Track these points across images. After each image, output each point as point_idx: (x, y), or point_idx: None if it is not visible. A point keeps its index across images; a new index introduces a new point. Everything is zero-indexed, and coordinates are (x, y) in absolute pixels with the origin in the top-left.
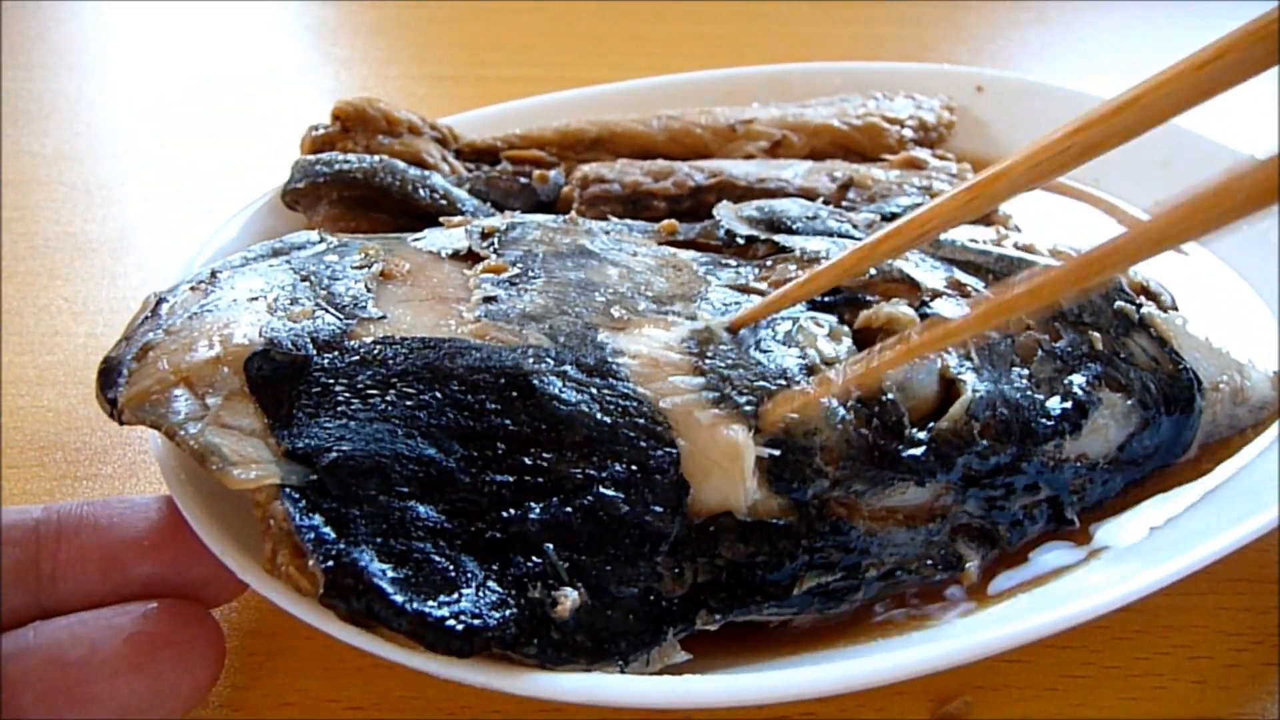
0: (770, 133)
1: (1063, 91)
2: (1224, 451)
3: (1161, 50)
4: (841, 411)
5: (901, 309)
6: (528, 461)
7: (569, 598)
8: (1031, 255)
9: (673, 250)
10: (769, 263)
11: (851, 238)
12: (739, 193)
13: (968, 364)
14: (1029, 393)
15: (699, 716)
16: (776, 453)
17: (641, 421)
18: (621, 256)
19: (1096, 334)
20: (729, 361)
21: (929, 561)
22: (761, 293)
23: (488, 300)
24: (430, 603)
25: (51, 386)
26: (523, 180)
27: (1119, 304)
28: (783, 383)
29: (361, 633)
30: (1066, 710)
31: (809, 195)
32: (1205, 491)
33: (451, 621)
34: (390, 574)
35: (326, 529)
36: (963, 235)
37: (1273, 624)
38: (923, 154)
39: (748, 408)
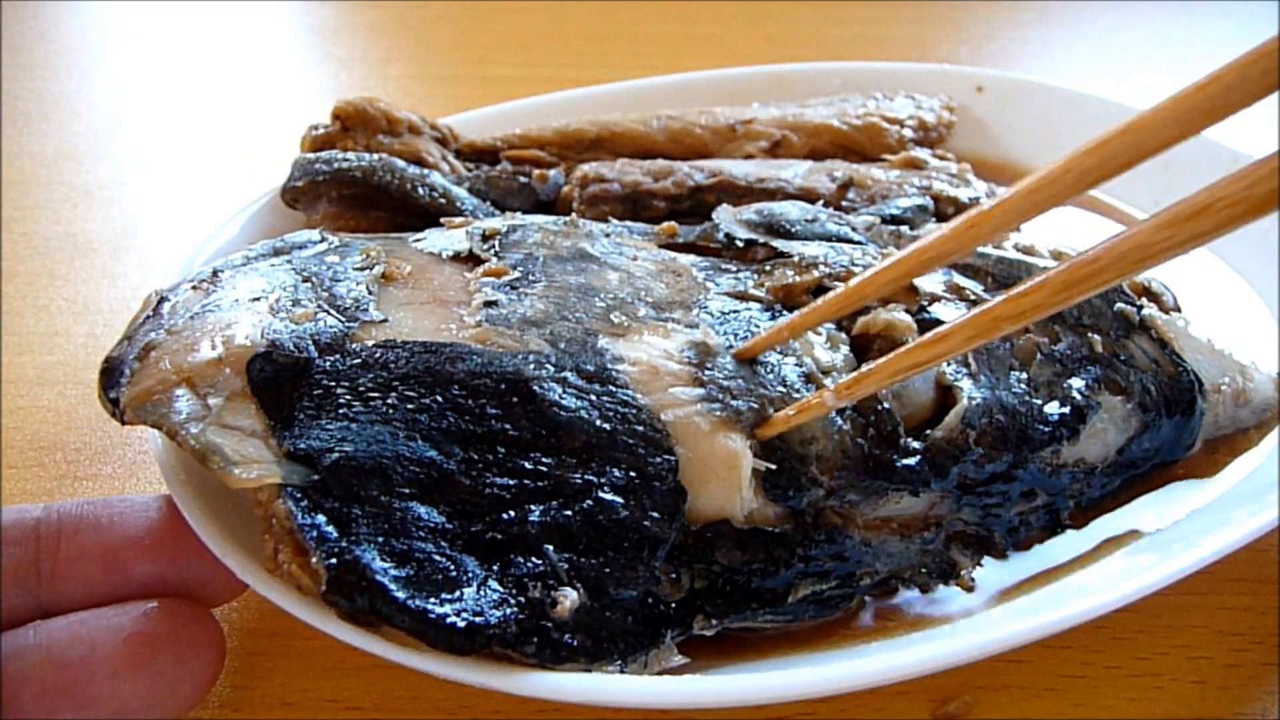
0: (770, 133)
1: (1063, 91)
2: (1226, 448)
3: (1161, 50)
4: (838, 421)
5: (899, 315)
6: (528, 466)
7: (569, 598)
8: (1031, 258)
9: (673, 255)
10: (767, 267)
11: (850, 240)
12: (739, 193)
13: (964, 370)
14: (1027, 398)
15: (698, 717)
16: (773, 466)
17: (640, 429)
18: (621, 260)
19: (1096, 336)
20: (728, 372)
21: (923, 570)
22: (760, 299)
23: (488, 305)
24: (432, 600)
25: (51, 386)
26: (522, 180)
27: (1119, 306)
28: (781, 390)
29: (360, 631)
30: (1066, 710)
31: (809, 195)
32: (1208, 494)
33: (453, 618)
34: (392, 572)
35: (329, 528)
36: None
37: (1273, 624)
38: (923, 154)
39: (746, 417)
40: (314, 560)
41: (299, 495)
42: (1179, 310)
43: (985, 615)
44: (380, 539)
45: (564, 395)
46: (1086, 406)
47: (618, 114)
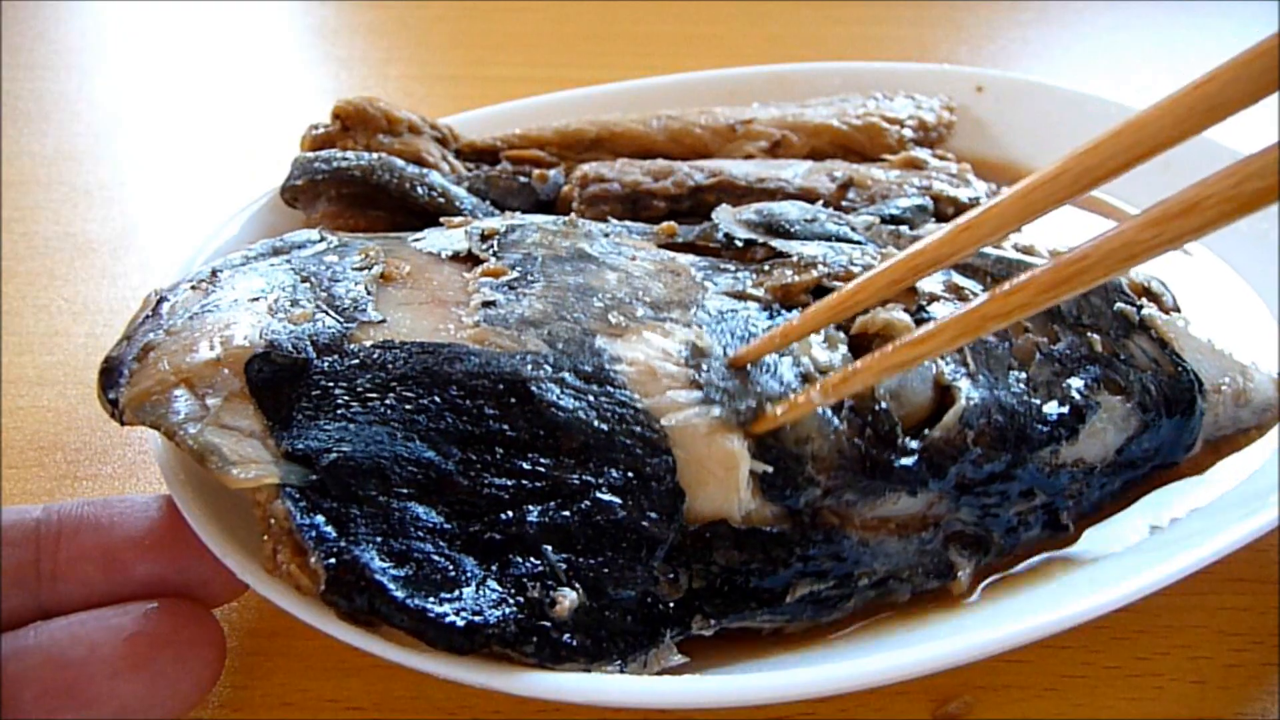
0: (770, 133)
1: (1063, 91)
2: (1227, 449)
3: (1161, 50)
4: (835, 421)
5: (897, 315)
6: (526, 466)
7: (568, 598)
8: (1031, 257)
9: (671, 254)
10: (766, 267)
11: (850, 240)
12: (739, 192)
13: (963, 370)
14: (1025, 398)
15: (698, 717)
16: (770, 469)
17: (638, 429)
18: (620, 260)
19: (1096, 336)
20: (724, 373)
21: (921, 570)
22: (758, 299)
23: (487, 305)
24: (431, 599)
25: (51, 386)
26: (522, 179)
27: (1119, 306)
28: (779, 390)
29: (359, 631)
30: (1066, 710)
31: (809, 195)
32: (1208, 494)
33: (452, 618)
34: (391, 571)
35: (327, 527)
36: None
37: (1273, 624)
38: (922, 154)
39: (743, 417)
40: (313, 560)
41: (297, 495)
42: (1179, 310)
43: (984, 615)
44: (379, 539)
45: (562, 396)
46: (1085, 406)
47: (618, 114)
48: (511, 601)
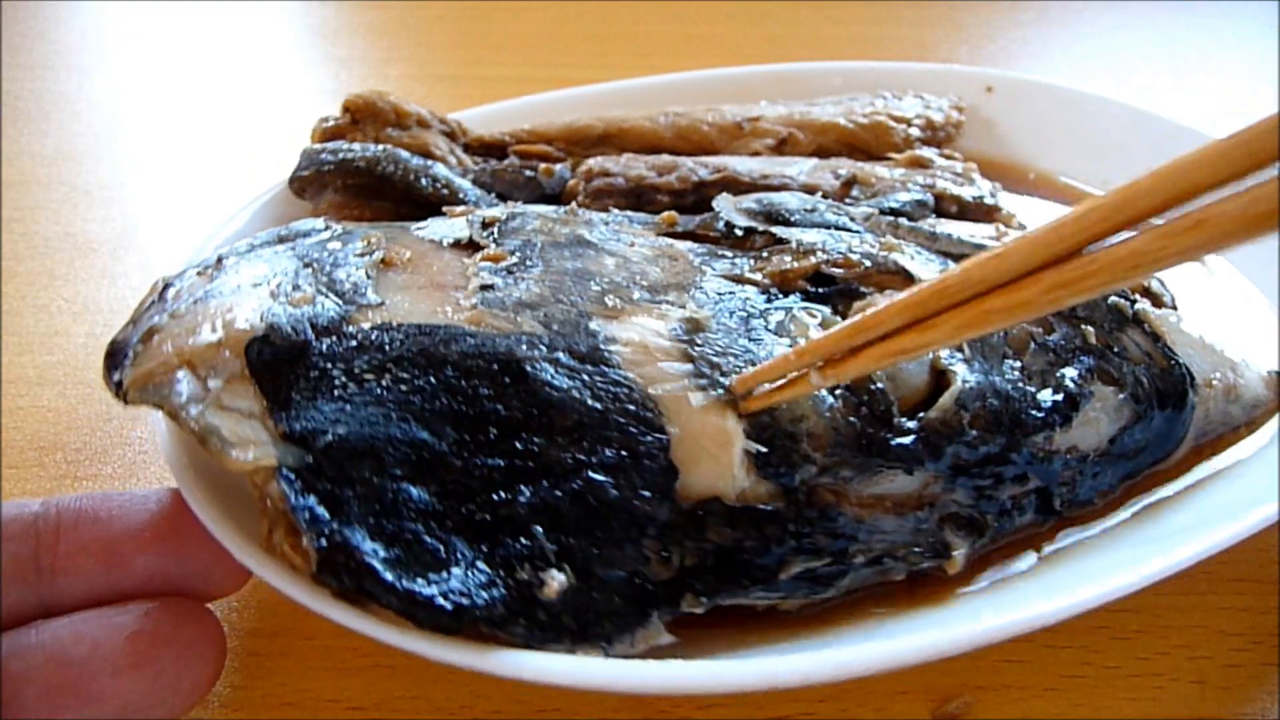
0: (776, 130)
1: (1072, 93)
2: (1217, 450)
3: (1161, 50)
4: (830, 400)
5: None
6: (519, 446)
7: (556, 580)
8: None
9: (670, 241)
10: (765, 254)
11: (848, 230)
12: (742, 188)
13: (958, 355)
14: (1020, 384)
15: (698, 717)
16: (764, 449)
17: (632, 408)
18: (619, 246)
19: (1090, 328)
20: (718, 349)
21: (916, 549)
22: (756, 283)
23: (484, 288)
24: (420, 581)
25: (51, 386)
26: (528, 173)
27: (1113, 300)
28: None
29: (354, 612)
30: (1066, 710)
31: (812, 191)
32: (1205, 490)
33: (440, 600)
34: (381, 553)
35: (321, 509)
36: (961, 230)
37: (1273, 624)
38: (929, 153)
39: (735, 395)
40: (305, 541)
41: (292, 477)
42: (1175, 308)
43: (982, 607)
44: (371, 520)
45: (556, 375)
46: (1079, 394)
47: (625, 111)
48: (500, 583)
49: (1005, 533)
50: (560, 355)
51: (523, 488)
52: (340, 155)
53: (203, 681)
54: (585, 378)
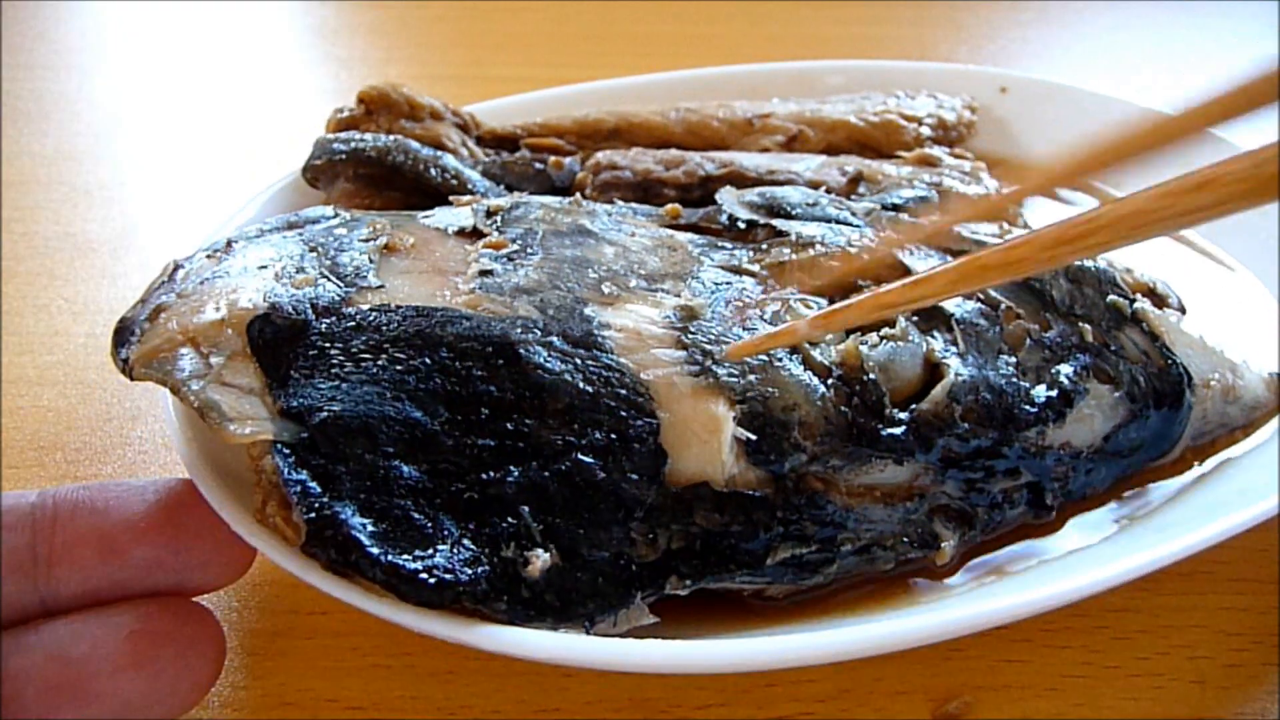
0: (786, 127)
1: (1086, 94)
2: (1212, 451)
3: (1161, 50)
4: (822, 389)
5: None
6: (510, 427)
7: (540, 558)
8: None
9: (670, 232)
10: (764, 246)
11: (849, 224)
12: (749, 183)
13: (953, 349)
14: (1014, 379)
15: (699, 716)
16: (754, 437)
17: (623, 392)
18: (619, 236)
19: (1087, 326)
20: (711, 337)
21: (905, 539)
22: (754, 274)
23: (483, 273)
24: (405, 556)
25: (51, 386)
26: (538, 166)
27: (1111, 298)
28: (764, 358)
29: (340, 583)
30: (1066, 710)
31: (817, 188)
32: (1194, 487)
33: (424, 574)
34: (370, 528)
35: (313, 483)
36: (964, 226)
37: (1273, 624)
38: (938, 151)
39: (727, 382)
40: (295, 514)
41: (287, 451)
42: (1184, 311)
43: (970, 595)
44: (361, 495)
45: (549, 359)
46: (1074, 391)
47: (637, 105)
48: (485, 560)
49: (996, 525)
50: (554, 339)
51: (512, 468)
52: (352, 145)
53: (203, 681)
54: (578, 362)
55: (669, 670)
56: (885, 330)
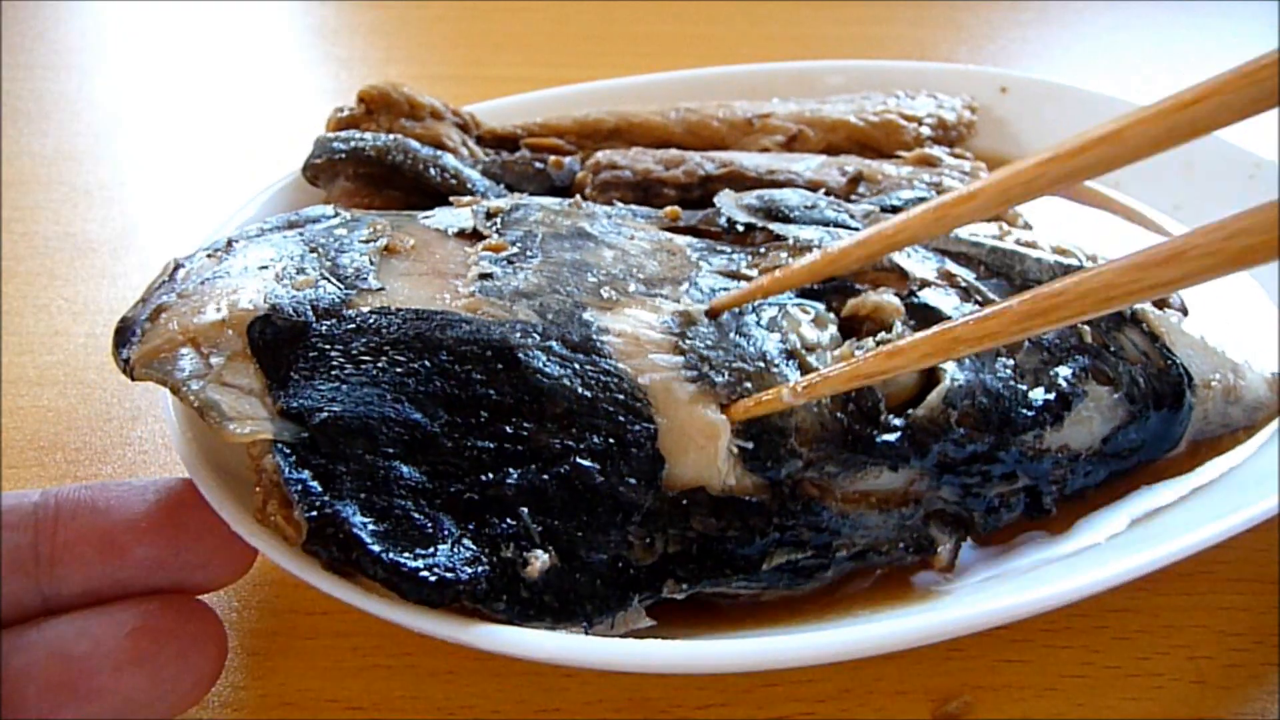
0: (786, 127)
1: (1086, 94)
2: (1213, 450)
3: (1161, 50)
4: None
5: (888, 298)
6: (509, 430)
7: (539, 559)
8: (1031, 251)
9: (670, 235)
10: (762, 249)
11: (848, 227)
12: (748, 183)
13: None
14: (1011, 383)
15: (699, 715)
16: (750, 445)
17: (621, 397)
18: (618, 239)
19: (1086, 327)
20: (709, 342)
21: (901, 544)
22: (751, 279)
23: (483, 277)
24: (406, 554)
25: (51, 386)
26: (538, 165)
27: None
28: (761, 365)
29: (340, 583)
30: (1066, 710)
31: (818, 188)
32: (1194, 487)
33: (425, 572)
34: (370, 526)
35: (313, 482)
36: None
37: (1273, 624)
38: (938, 151)
39: (724, 388)
40: (297, 513)
41: (288, 451)
42: (1184, 312)
43: (968, 596)
44: (362, 495)
45: (548, 363)
46: (1072, 394)
47: (637, 105)
48: (485, 560)
49: (992, 530)
50: (553, 344)
51: (511, 470)
52: (352, 144)
53: (204, 679)
54: (576, 366)
55: (668, 670)
56: (882, 335)
